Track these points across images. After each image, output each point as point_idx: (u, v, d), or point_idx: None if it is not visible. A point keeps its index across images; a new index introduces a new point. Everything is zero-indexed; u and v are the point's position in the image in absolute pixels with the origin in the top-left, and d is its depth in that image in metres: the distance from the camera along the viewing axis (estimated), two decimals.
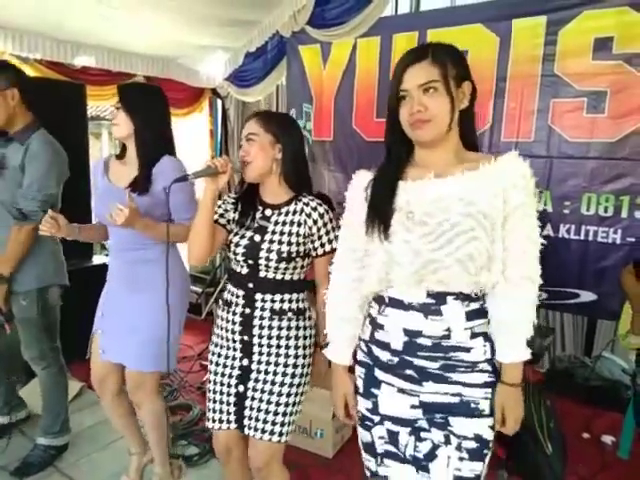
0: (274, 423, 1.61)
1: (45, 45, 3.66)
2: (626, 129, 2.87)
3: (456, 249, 1.14)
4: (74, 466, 2.38)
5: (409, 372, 1.23)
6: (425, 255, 1.16)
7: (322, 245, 1.62)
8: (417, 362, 1.22)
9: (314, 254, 1.63)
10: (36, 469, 2.31)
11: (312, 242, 1.61)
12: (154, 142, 1.88)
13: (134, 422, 2.17)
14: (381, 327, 1.28)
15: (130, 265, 1.93)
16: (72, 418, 2.50)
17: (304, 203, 1.62)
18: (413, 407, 1.24)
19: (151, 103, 1.93)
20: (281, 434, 1.62)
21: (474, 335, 1.21)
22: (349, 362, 1.40)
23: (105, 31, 3.73)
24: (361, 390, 1.34)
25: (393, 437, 1.28)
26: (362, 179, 1.32)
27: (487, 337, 1.23)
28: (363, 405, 1.33)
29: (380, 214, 1.22)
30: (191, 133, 5.18)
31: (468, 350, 1.20)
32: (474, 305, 1.21)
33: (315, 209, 1.60)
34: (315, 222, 1.59)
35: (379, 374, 1.29)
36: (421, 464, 1.25)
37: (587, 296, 3.11)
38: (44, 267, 2.24)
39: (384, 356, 1.27)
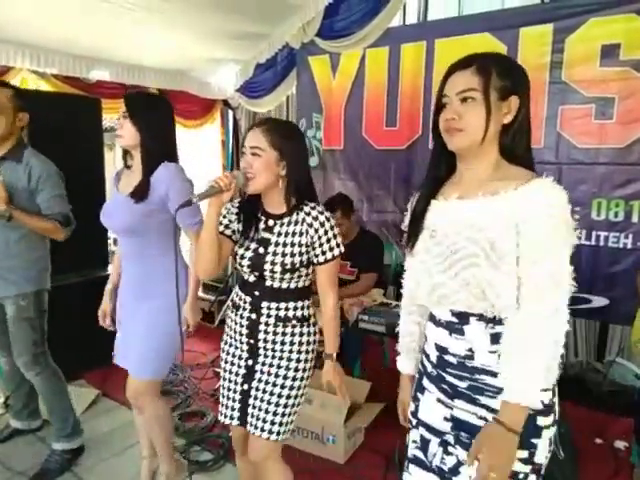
0: (273, 423, 1.66)
1: (61, 60, 3.77)
2: (635, 135, 2.88)
3: (455, 274, 1.14)
4: (90, 471, 2.42)
5: (444, 386, 1.25)
6: (434, 277, 1.19)
7: (323, 253, 1.61)
8: (448, 378, 1.23)
9: (315, 262, 1.63)
10: (55, 474, 2.35)
11: (313, 250, 1.61)
12: (159, 151, 1.90)
13: None
14: (426, 339, 1.33)
15: (132, 275, 1.99)
16: (88, 424, 2.56)
17: (305, 213, 1.61)
18: (445, 419, 1.24)
19: (156, 113, 1.94)
20: (279, 433, 1.67)
21: None
22: (411, 372, 1.44)
23: (119, 46, 3.83)
24: (412, 394, 1.39)
25: (424, 443, 1.30)
26: (413, 200, 1.35)
27: None
28: (410, 408, 1.38)
29: (410, 231, 1.29)
30: (203, 144, 5.27)
31: (495, 375, 1.15)
32: (501, 328, 1.14)
33: (316, 218, 1.60)
34: (316, 231, 1.59)
35: (425, 382, 1.32)
36: (445, 476, 1.24)
37: (599, 301, 3.10)
38: (39, 271, 2.31)
39: (429, 366, 1.30)
